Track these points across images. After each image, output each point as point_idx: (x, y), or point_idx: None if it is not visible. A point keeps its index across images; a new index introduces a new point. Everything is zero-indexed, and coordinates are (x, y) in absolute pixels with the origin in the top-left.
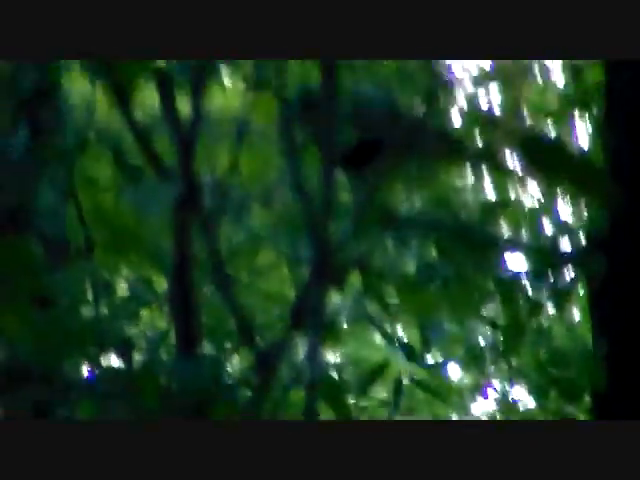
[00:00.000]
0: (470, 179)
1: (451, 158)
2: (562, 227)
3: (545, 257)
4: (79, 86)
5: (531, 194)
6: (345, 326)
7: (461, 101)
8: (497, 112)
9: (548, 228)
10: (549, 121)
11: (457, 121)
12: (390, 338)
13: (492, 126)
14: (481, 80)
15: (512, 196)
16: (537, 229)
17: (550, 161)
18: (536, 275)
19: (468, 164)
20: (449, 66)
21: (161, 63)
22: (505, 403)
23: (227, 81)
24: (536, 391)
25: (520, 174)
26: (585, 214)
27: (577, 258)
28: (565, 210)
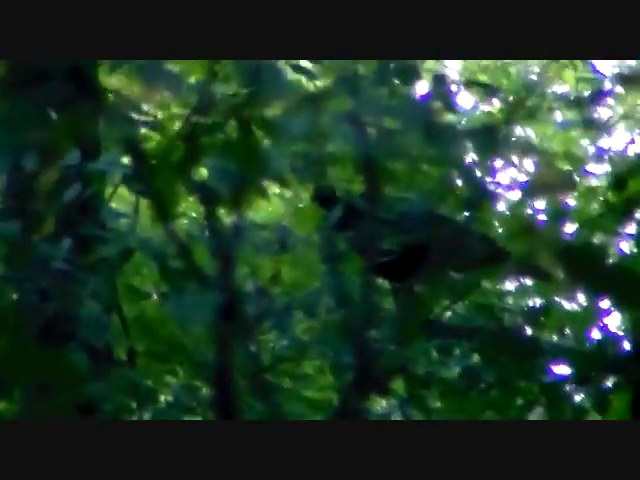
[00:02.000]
0: (513, 285)
1: (494, 263)
2: (606, 333)
3: (589, 363)
4: (122, 197)
5: (575, 300)
6: None
7: (503, 209)
8: (538, 220)
9: (592, 334)
10: (591, 229)
11: (499, 229)
12: None
13: (533, 234)
14: (524, 188)
15: (556, 301)
16: (581, 334)
17: (590, 270)
18: (580, 380)
19: (510, 270)
20: (493, 175)
21: (202, 174)
22: None
23: (269, 190)
24: None
25: (562, 282)
26: (628, 321)
27: (621, 364)
28: (609, 316)
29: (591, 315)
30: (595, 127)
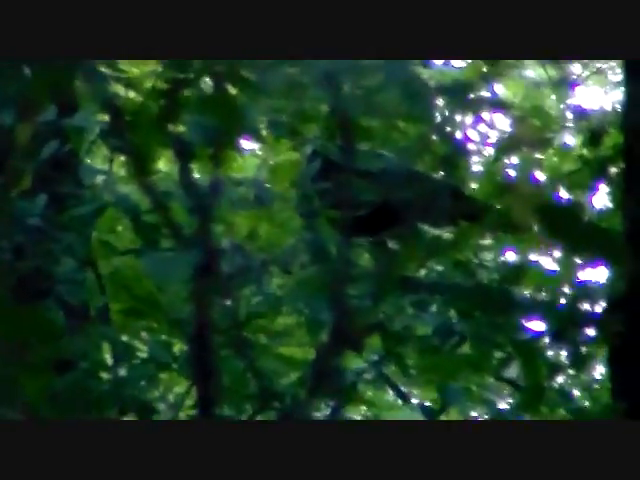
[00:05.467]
0: (488, 240)
1: (470, 220)
2: (581, 288)
3: (564, 318)
4: (98, 153)
5: (551, 255)
6: (365, 388)
7: (478, 166)
8: (514, 176)
9: (568, 289)
10: (566, 185)
11: (475, 186)
12: (407, 400)
13: (509, 191)
14: (498, 145)
15: (532, 257)
16: (557, 290)
17: (566, 226)
18: (555, 336)
19: (486, 227)
20: (466, 131)
21: (179, 128)
22: None
23: (245, 146)
24: None
25: (538, 237)
26: (604, 275)
27: (596, 319)
28: (584, 271)
29: (567, 271)
30: (567, 84)
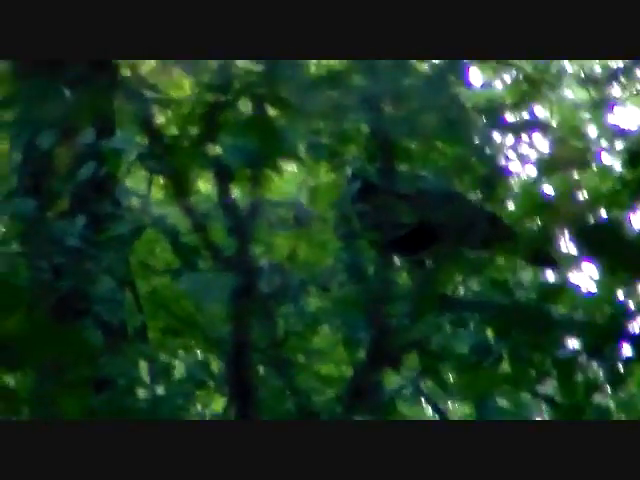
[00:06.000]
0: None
1: (504, 242)
2: (619, 307)
3: (602, 336)
4: (137, 174)
5: (588, 274)
6: (403, 405)
7: (517, 187)
8: (553, 196)
9: (605, 307)
10: (606, 205)
11: (513, 207)
12: (445, 416)
13: (548, 211)
14: (538, 166)
15: (569, 276)
16: (594, 309)
17: (606, 245)
18: (593, 354)
19: (522, 248)
20: (505, 153)
21: (218, 150)
22: None
23: (285, 167)
24: None
25: (576, 256)
26: None
27: (634, 337)
28: (622, 290)
29: (606, 291)
30: (607, 105)
